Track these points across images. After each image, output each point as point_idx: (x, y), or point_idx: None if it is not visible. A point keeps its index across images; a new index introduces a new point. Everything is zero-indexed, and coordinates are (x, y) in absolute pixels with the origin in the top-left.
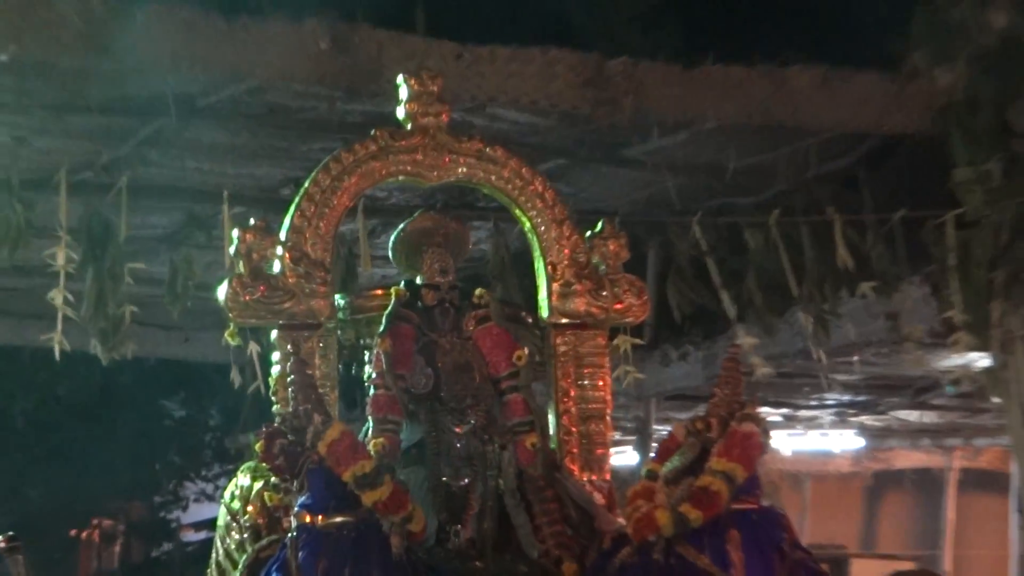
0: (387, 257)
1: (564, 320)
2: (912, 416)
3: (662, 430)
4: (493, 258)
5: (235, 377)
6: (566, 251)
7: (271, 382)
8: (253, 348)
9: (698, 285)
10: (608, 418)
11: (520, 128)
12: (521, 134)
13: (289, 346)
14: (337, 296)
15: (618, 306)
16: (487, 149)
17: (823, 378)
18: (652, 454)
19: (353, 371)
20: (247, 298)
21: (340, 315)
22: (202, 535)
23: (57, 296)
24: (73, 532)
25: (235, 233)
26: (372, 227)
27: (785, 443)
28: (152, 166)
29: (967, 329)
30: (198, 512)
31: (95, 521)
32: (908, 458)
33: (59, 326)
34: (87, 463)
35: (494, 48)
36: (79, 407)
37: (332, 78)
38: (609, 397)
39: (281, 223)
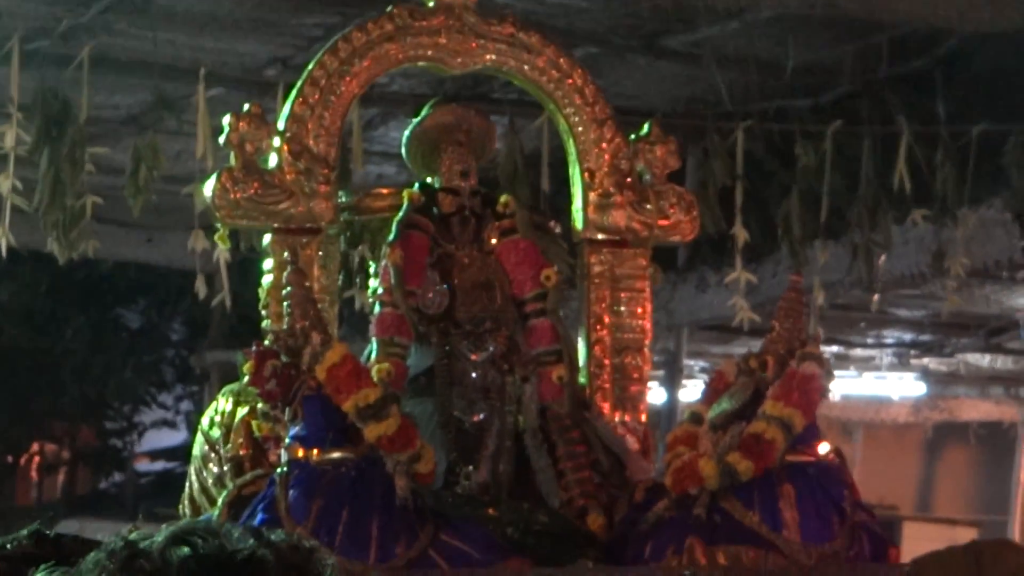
0: (384, 154)
1: (601, 236)
2: (983, 361)
3: (694, 365)
4: (505, 160)
5: (200, 287)
6: (606, 156)
7: (260, 293)
8: (221, 252)
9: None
10: (647, 351)
11: (547, 7)
12: (548, 15)
13: (286, 253)
14: (343, 194)
15: (663, 222)
16: (520, 34)
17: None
18: (685, 392)
19: (354, 282)
20: (238, 195)
21: (342, 214)
22: (158, 466)
23: (4, 183)
24: (10, 458)
25: (226, 120)
26: (369, 118)
27: (835, 386)
28: (118, 36)
29: None
30: (155, 440)
31: (36, 446)
32: (975, 409)
33: (6, 218)
34: (29, 379)
35: None
36: (22, 313)
37: None
38: (649, 326)
39: (272, 110)
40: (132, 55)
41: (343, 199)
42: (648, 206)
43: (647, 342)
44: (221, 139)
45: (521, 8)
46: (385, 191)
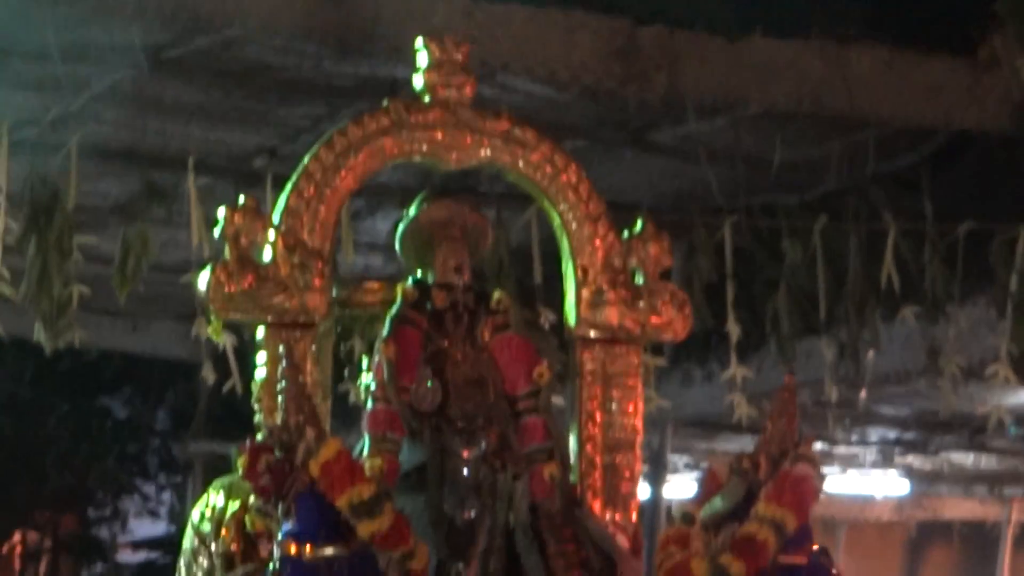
0: (371, 245)
1: (593, 333)
2: (967, 459)
3: (678, 460)
4: (491, 254)
5: (207, 373)
6: (600, 253)
7: (253, 387)
8: (227, 341)
9: (719, 299)
10: (638, 449)
11: (534, 102)
12: (535, 109)
13: (280, 347)
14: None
15: (656, 320)
16: (516, 129)
17: (830, 421)
18: (669, 487)
19: (346, 376)
20: (232, 289)
21: (340, 308)
22: (141, 556)
23: None
24: None
25: (221, 213)
26: (356, 209)
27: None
28: (106, 125)
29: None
30: (138, 529)
31: (18, 535)
32: (959, 508)
33: None
34: (11, 467)
35: (510, 7)
36: (5, 401)
37: (321, 33)
38: (640, 425)
39: (263, 201)
40: (120, 144)
41: (338, 292)
42: (641, 304)
43: (639, 440)
44: (216, 231)
45: (508, 101)
46: (376, 285)
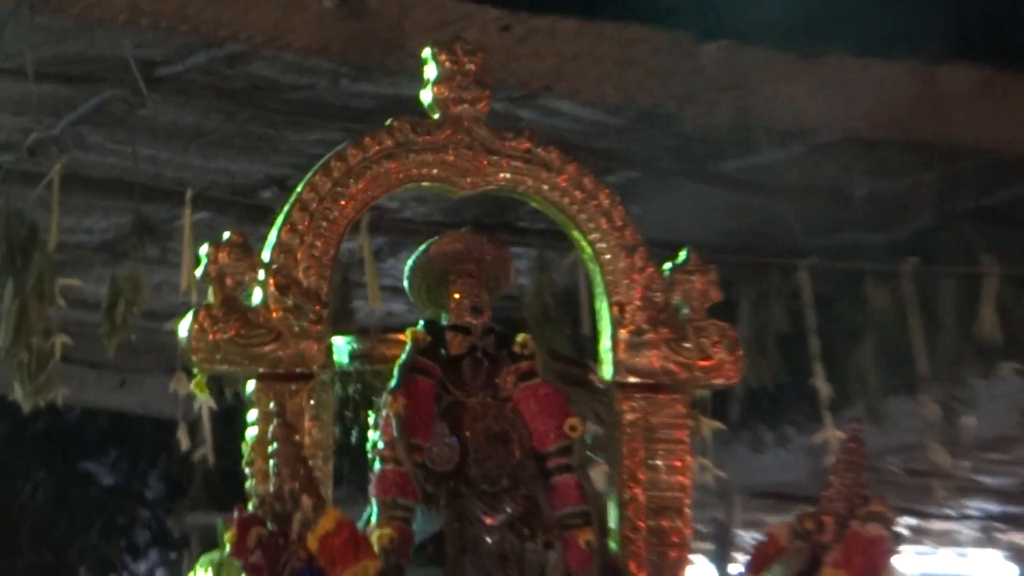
0: (393, 289)
1: (633, 379)
2: None
3: (748, 537)
4: (532, 299)
5: (182, 438)
6: (638, 288)
7: (244, 449)
8: (204, 400)
9: (794, 352)
10: (687, 511)
11: (582, 127)
12: (583, 135)
13: (272, 403)
14: (341, 339)
15: (704, 362)
16: (539, 150)
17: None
18: (737, 567)
19: (354, 438)
20: (217, 336)
21: (347, 362)
22: None
23: None
24: None
25: (204, 250)
26: (377, 248)
27: (909, 563)
28: (92, 151)
29: None
30: None
31: None
32: None
33: None
34: None
35: (555, 20)
36: None
37: (338, 47)
38: (688, 483)
39: (263, 238)
40: (108, 173)
41: (353, 345)
42: (686, 344)
43: (688, 502)
44: (198, 272)
45: (552, 126)
46: (401, 336)
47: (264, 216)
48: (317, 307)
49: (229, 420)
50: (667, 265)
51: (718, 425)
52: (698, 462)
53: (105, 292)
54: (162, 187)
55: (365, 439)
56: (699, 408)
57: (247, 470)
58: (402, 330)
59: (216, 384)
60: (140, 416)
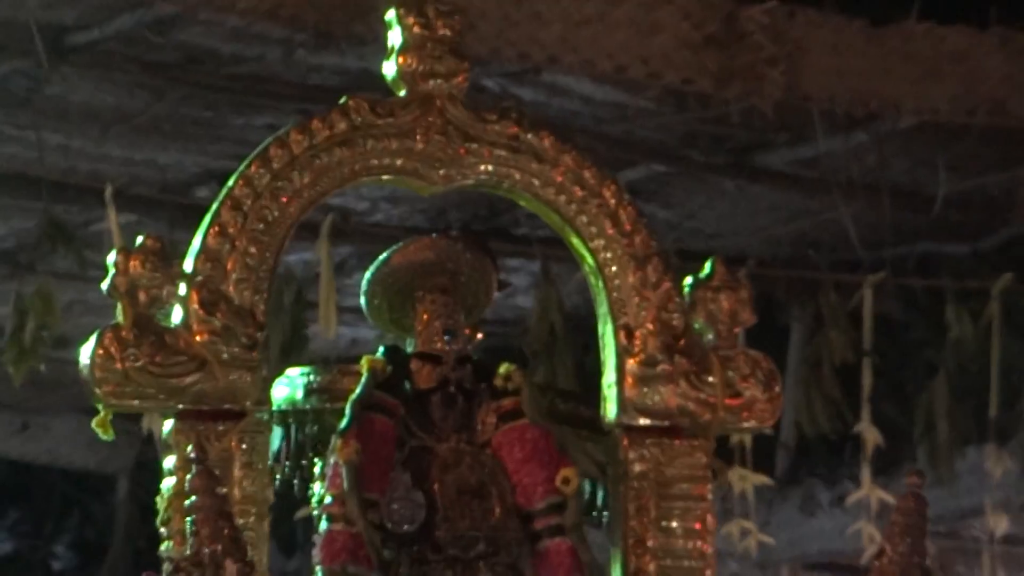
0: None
1: (643, 421)
2: None
3: None
4: (536, 324)
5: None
6: (650, 308)
7: (158, 503)
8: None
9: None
10: None
11: (595, 110)
12: (595, 119)
13: (190, 448)
14: (296, 371)
15: (732, 401)
16: (528, 135)
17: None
18: None
19: (296, 490)
20: (126, 364)
21: (301, 399)
22: None
23: None
24: None
25: (111, 259)
26: (341, 259)
27: None
28: None
29: None
30: None
31: None
32: None
33: None
34: None
35: None
36: None
37: (292, 10)
38: (710, 550)
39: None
40: (8, 166)
41: (309, 377)
42: (710, 379)
43: (710, 574)
44: (103, 285)
45: (559, 107)
46: (357, 368)
47: (201, 219)
48: (251, 329)
49: (156, 470)
50: (687, 280)
51: (763, 480)
52: (738, 525)
53: (8, 312)
54: (75, 183)
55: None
56: (738, 459)
57: (162, 529)
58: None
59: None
60: (46, 467)
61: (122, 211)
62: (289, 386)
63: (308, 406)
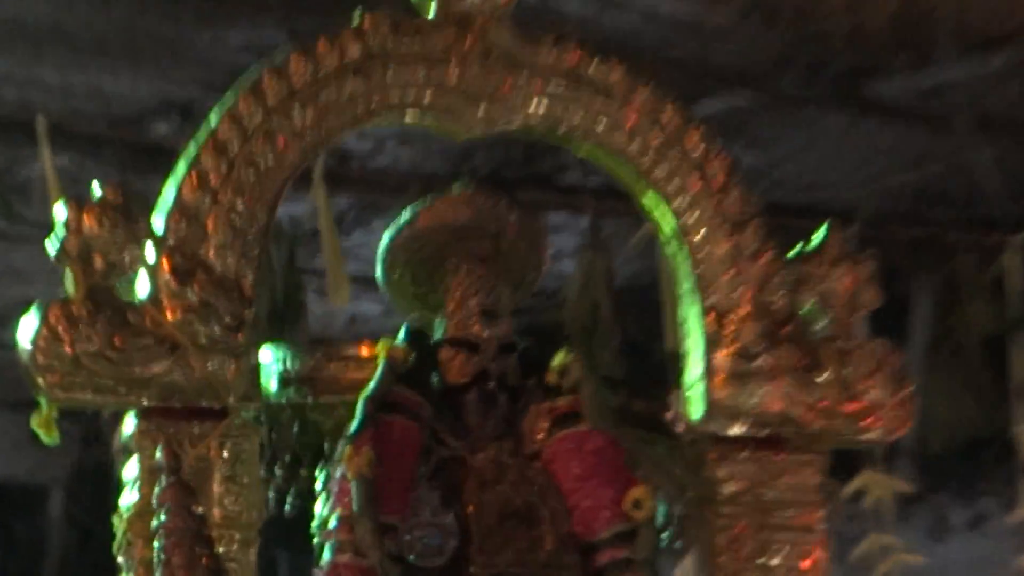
0: (364, 279)
1: (736, 429)
2: None
3: None
4: (577, 296)
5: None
6: (747, 286)
7: (115, 523)
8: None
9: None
10: None
11: (660, 28)
12: (662, 39)
13: (158, 454)
14: (269, 353)
15: (851, 406)
16: (592, 65)
17: None
18: None
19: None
20: (77, 348)
21: (275, 391)
22: None
23: None
24: None
25: (58, 212)
26: (337, 213)
27: None
28: None
29: None
30: None
31: None
32: None
33: None
34: None
35: None
36: None
37: None
38: None
39: (156, 196)
40: None
41: (288, 362)
42: (822, 377)
43: None
44: (49, 246)
45: (615, 26)
46: (365, 349)
47: (159, 161)
48: (236, 306)
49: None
50: (795, 250)
51: (902, 487)
52: (875, 541)
53: None
54: (1, 113)
55: (307, 513)
56: (872, 462)
57: (120, 558)
58: (371, 342)
59: (78, 424)
60: None
61: (58, 151)
62: (263, 374)
63: (283, 399)
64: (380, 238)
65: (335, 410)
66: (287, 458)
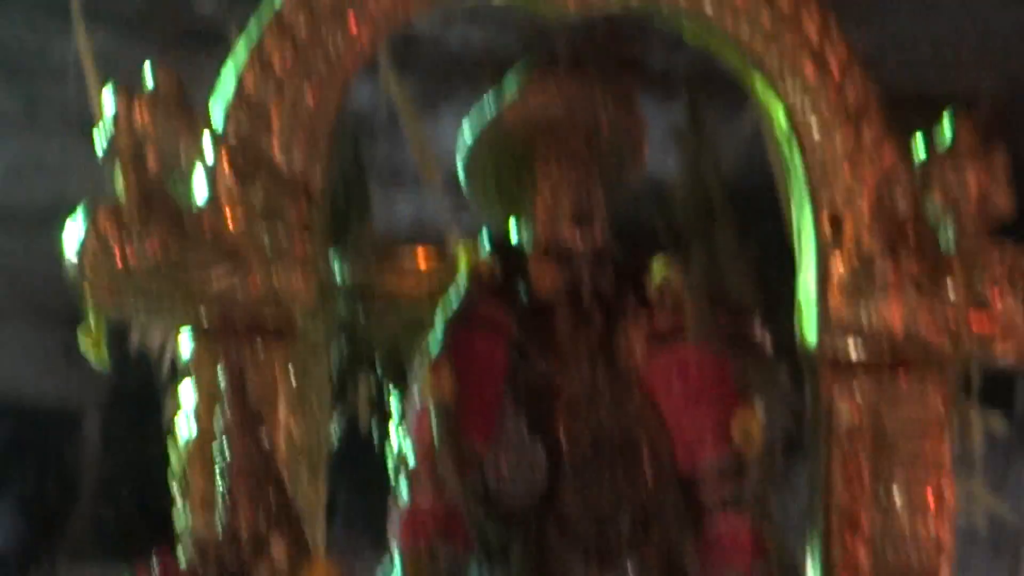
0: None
1: (855, 352)
2: None
3: None
4: (682, 193)
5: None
6: (867, 186)
7: (171, 455)
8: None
9: None
10: None
11: None
12: None
13: (220, 371)
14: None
15: (982, 323)
16: None
17: None
18: None
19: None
20: (129, 257)
21: (346, 303)
22: None
23: None
24: None
25: (106, 100)
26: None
27: None
28: None
29: None
30: None
31: None
32: None
33: None
34: None
35: None
36: None
37: None
38: (950, 541)
39: (208, 85)
40: None
41: (341, 270)
42: (951, 289)
43: (947, 570)
44: (99, 141)
45: None
46: (422, 251)
47: (207, 45)
48: (304, 208)
49: (138, 409)
50: (918, 145)
51: (995, 422)
52: (965, 488)
53: None
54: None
55: (384, 443)
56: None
57: (176, 494)
58: (439, 248)
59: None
60: None
61: (93, 30)
62: None
63: (339, 309)
64: (449, 130)
65: (389, 324)
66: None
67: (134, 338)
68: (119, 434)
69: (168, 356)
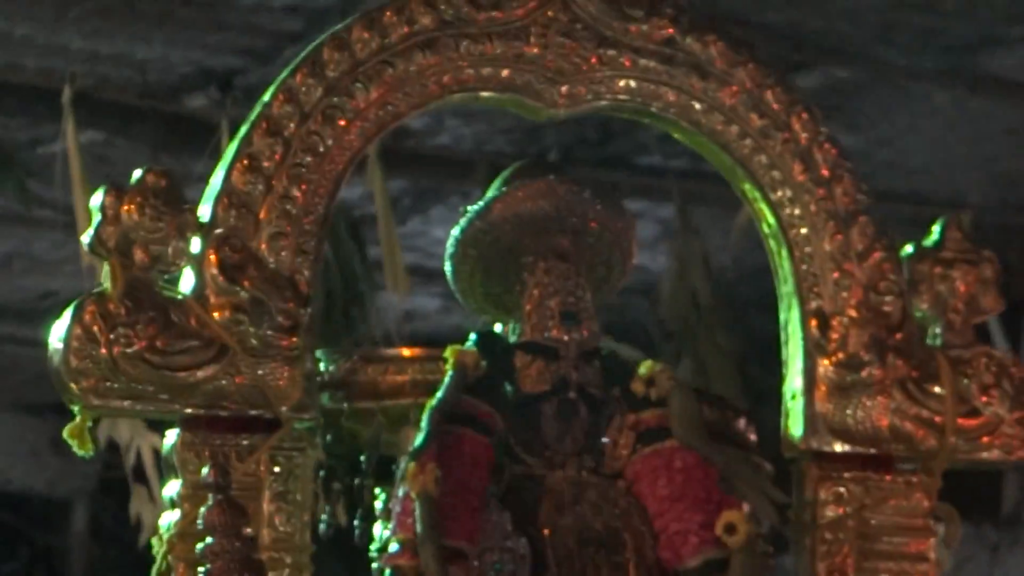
0: (420, 270)
1: (841, 447)
2: None
3: None
4: (669, 293)
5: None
6: (855, 288)
7: (154, 546)
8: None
9: None
10: None
11: None
12: (751, 4)
13: (205, 470)
14: (319, 356)
15: (968, 422)
16: (688, 40)
17: None
18: None
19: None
20: (115, 350)
21: (330, 399)
22: None
23: None
24: None
25: (95, 200)
26: (394, 197)
27: None
28: None
29: None
30: None
31: None
32: None
33: None
34: None
35: None
36: None
37: None
38: None
39: (199, 180)
40: None
41: (326, 366)
42: (937, 389)
43: None
44: (84, 238)
45: None
46: (409, 352)
47: (197, 140)
48: (292, 304)
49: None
50: (907, 248)
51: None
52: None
53: None
54: (19, 84)
55: (367, 537)
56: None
57: None
58: (432, 345)
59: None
60: None
61: (84, 126)
62: None
63: (324, 404)
64: (438, 227)
65: (372, 418)
66: (333, 474)
67: (101, 433)
68: (106, 522)
69: (133, 452)
